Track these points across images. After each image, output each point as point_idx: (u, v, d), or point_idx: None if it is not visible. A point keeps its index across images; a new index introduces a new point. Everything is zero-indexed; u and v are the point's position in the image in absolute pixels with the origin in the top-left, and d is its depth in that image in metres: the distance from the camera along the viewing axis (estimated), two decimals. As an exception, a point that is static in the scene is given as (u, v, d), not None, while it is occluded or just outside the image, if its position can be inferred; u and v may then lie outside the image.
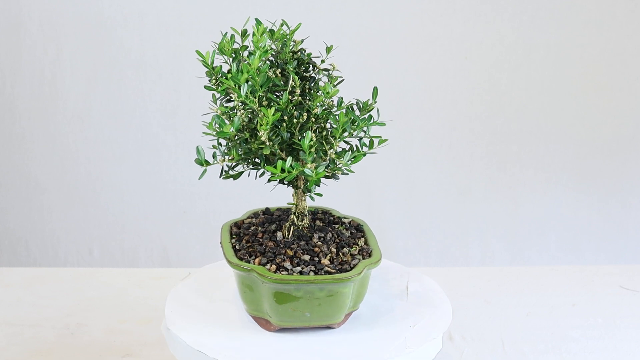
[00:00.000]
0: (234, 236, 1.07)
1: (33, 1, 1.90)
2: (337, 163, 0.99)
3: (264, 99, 0.98)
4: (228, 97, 1.01)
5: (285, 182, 1.02)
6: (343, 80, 1.04)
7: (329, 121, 1.00)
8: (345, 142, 1.02)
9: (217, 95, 1.01)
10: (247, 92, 0.94)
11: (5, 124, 1.99)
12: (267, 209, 1.13)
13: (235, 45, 1.00)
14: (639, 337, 1.45)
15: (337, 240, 1.05)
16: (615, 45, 1.96)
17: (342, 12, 1.92)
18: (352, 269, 0.98)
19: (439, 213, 2.06)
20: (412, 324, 1.02)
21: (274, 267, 0.97)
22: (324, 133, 1.00)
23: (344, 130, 0.98)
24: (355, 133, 1.00)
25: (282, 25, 1.01)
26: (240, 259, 1.00)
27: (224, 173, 1.03)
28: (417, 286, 1.12)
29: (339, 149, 1.01)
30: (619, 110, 2.01)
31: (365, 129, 1.01)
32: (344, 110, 0.99)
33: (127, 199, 2.03)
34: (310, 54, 1.04)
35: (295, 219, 1.05)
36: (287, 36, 1.00)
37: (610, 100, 2.00)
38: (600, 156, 2.03)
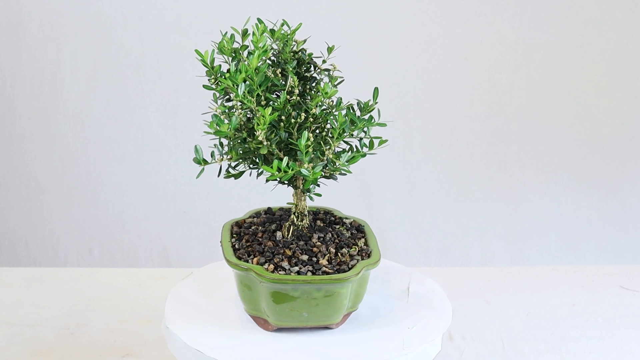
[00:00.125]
0: (234, 235, 1.07)
1: (33, 1, 1.90)
2: (335, 163, 0.99)
3: (263, 98, 0.98)
4: (227, 96, 1.01)
5: (286, 182, 1.02)
6: (343, 80, 1.04)
7: (329, 122, 1.00)
8: (346, 142, 1.02)
9: (218, 94, 1.01)
10: (244, 92, 0.94)
11: (5, 124, 1.99)
12: (269, 208, 1.13)
13: (236, 45, 1.00)
14: (639, 337, 1.45)
15: (337, 241, 1.05)
16: (615, 45, 1.96)
17: (342, 12, 1.92)
18: (350, 269, 0.98)
19: (439, 213, 2.06)
20: (411, 325, 1.02)
21: (271, 266, 0.98)
22: (324, 133, 1.00)
23: (342, 131, 0.98)
24: (355, 133, 1.00)
25: (282, 25, 1.01)
26: (239, 258, 1.00)
27: (225, 172, 1.03)
28: (419, 287, 1.12)
29: (339, 149, 1.01)
30: (619, 110, 2.01)
31: (365, 129, 1.01)
32: (342, 111, 0.99)
33: (127, 199, 2.03)
34: (312, 54, 1.04)
35: (295, 219, 1.05)
36: (289, 36, 1.00)
37: (610, 100, 2.00)
38: (600, 156, 2.03)
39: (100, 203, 2.03)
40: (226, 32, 1.00)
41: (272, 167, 0.93)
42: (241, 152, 1.00)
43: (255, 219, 1.11)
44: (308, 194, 1.02)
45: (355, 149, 1.02)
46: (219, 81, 0.98)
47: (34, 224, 2.05)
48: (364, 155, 1.01)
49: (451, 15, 1.93)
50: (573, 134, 2.02)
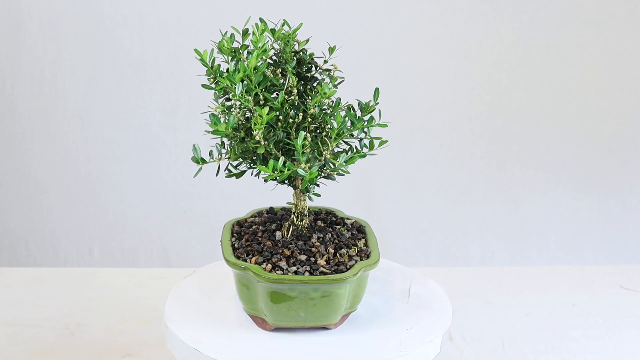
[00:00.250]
0: (234, 235, 1.07)
1: (33, 1, 1.90)
2: (332, 164, 0.99)
3: (261, 98, 0.98)
4: (227, 96, 1.01)
5: (286, 182, 1.03)
6: (343, 80, 1.04)
7: (327, 122, 1.00)
8: (345, 142, 1.02)
9: (218, 94, 1.01)
10: (242, 91, 0.95)
11: (5, 124, 1.99)
12: (271, 208, 1.13)
13: (236, 45, 1.00)
14: (639, 337, 1.45)
15: (337, 241, 1.05)
16: (615, 45, 1.96)
17: (342, 12, 1.92)
18: (348, 270, 0.97)
19: (439, 213, 2.06)
20: (409, 326, 1.02)
21: (269, 266, 0.98)
22: (324, 134, 1.00)
23: (340, 131, 0.98)
24: (355, 134, 1.00)
25: (283, 25, 1.01)
26: (238, 257, 1.00)
27: (227, 172, 1.03)
28: (420, 289, 1.12)
29: (338, 150, 1.01)
30: (619, 110, 2.01)
31: (366, 129, 1.01)
32: (341, 111, 0.99)
33: (127, 199, 2.03)
34: (313, 54, 1.04)
35: (295, 219, 1.05)
36: (290, 36, 1.00)
37: (610, 100, 2.00)
38: (600, 156, 2.03)
39: (100, 203, 2.03)
40: (226, 32, 1.00)
41: (267, 167, 0.93)
42: (239, 151, 1.00)
43: (256, 218, 1.11)
44: (307, 194, 1.02)
45: (355, 150, 1.02)
46: (218, 80, 0.98)
47: (34, 224, 2.05)
48: (364, 155, 1.01)
49: (451, 15, 1.93)
50: (573, 134, 2.02)
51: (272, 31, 1.01)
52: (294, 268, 0.97)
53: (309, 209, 1.13)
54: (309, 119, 0.99)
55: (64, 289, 1.59)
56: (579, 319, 1.51)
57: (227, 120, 0.96)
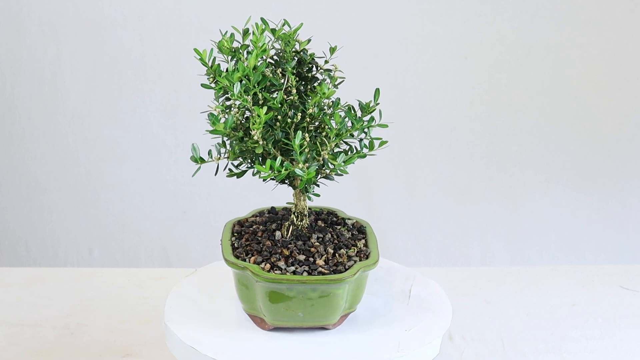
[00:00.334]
0: (235, 234, 1.07)
1: (33, 1, 1.90)
2: (331, 164, 0.99)
3: (260, 97, 0.98)
4: (226, 95, 1.01)
5: (286, 182, 1.03)
6: (343, 80, 1.04)
7: (325, 122, 1.00)
8: (345, 142, 1.02)
9: (218, 93, 1.01)
10: (240, 91, 0.95)
11: (5, 124, 1.99)
12: (272, 208, 1.13)
13: (236, 44, 1.00)
14: (639, 337, 1.45)
15: (336, 242, 1.04)
16: (615, 45, 1.96)
17: (342, 12, 1.92)
18: (346, 270, 0.97)
19: (439, 213, 2.06)
20: (408, 327, 1.02)
21: (268, 266, 0.98)
22: (324, 134, 1.00)
23: (338, 131, 0.98)
24: (355, 134, 1.00)
25: (283, 24, 1.01)
26: (237, 257, 1.00)
27: (228, 171, 1.03)
28: (420, 290, 1.11)
29: (338, 150, 1.01)
30: (619, 110, 2.01)
31: (366, 130, 1.01)
32: (340, 111, 0.99)
33: (127, 199, 2.03)
34: (313, 54, 1.04)
35: (295, 219, 1.05)
36: (290, 35, 1.01)
37: (610, 100, 2.00)
38: (600, 156, 2.03)
39: (100, 203, 2.03)
40: (226, 32, 1.00)
41: (264, 167, 0.93)
42: (238, 151, 1.00)
43: (257, 218, 1.11)
44: (307, 194, 1.02)
45: (355, 150, 1.02)
46: (217, 80, 0.98)
47: (34, 224, 2.05)
48: (364, 156, 1.01)
49: (451, 15, 1.93)
50: (573, 134, 2.02)
51: (273, 31, 1.01)
52: (293, 268, 0.97)
53: (310, 209, 1.13)
54: (308, 119, 0.99)
55: (64, 289, 1.59)
56: (579, 319, 1.51)
57: (226, 120, 0.96)
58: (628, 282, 1.66)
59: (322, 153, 0.98)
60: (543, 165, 2.04)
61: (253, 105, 0.97)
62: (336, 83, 1.03)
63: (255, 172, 1.02)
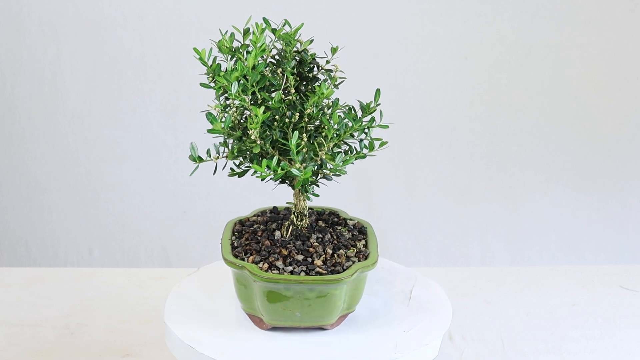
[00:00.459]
0: (235, 233, 1.07)
1: (33, 1, 1.90)
2: (328, 164, 0.98)
3: (259, 97, 0.98)
4: (226, 94, 1.01)
5: (287, 182, 1.03)
6: (343, 81, 1.04)
7: (323, 122, 1.00)
8: (345, 143, 1.02)
9: (218, 93, 1.01)
10: (237, 90, 0.95)
11: (5, 124, 1.99)
12: (274, 207, 1.13)
13: (237, 44, 1.00)
14: (639, 337, 1.45)
15: (336, 242, 1.04)
16: (615, 45, 1.96)
17: (342, 12, 1.92)
18: (344, 270, 0.97)
19: (439, 213, 2.06)
20: (407, 328, 1.02)
21: (266, 265, 0.98)
22: (324, 134, 1.00)
23: (336, 131, 0.98)
24: (356, 134, 1.00)
25: (284, 24, 1.01)
26: (236, 256, 1.00)
27: (229, 171, 1.03)
28: (421, 291, 1.11)
29: (338, 150, 1.01)
30: (619, 110, 2.01)
31: (366, 130, 1.01)
32: (339, 112, 0.99)
33: (127, 199, 2.03)
34: (314, 54, 1.04)
35: (295, 219, 1.05)
36: (291, 35, 1.01)
37: (610, 100, 2.00)
38: (600, 156, 2.03)
39: (100, 203, 2.03)
40: (227, 31, 1.00)
41: (261, 166, 0.93)
42: (237, 150, 1.00)
43: (259, 217, 1.11)
44: (306, 194, 1.02)
45: (355, 151, 1.02)
46: (216, 79, 0.98)
47: (34, 224, 2.05)
48: (364, 156, 1.01)
49: (451, 15, 1.93)
50: (573, 134, 2.02)
51: (274, 31, 1.01)
52: (290, 268, 0.98)
53: (312, 209, 1.13)
54: (306, 119, 0.99)
55: (64, 289, 1.59)
56: (579, 319, 1.51)
57: (224, 119, 0.96)
58: (628, 282, 1.66)
59: (319, 153, 0.98)
60: (543, 165, 2.04)
61: (252, 104, 0.97)
62: (336, 83, 1.03)
63: (254, 171, 1.02)
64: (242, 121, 0.99)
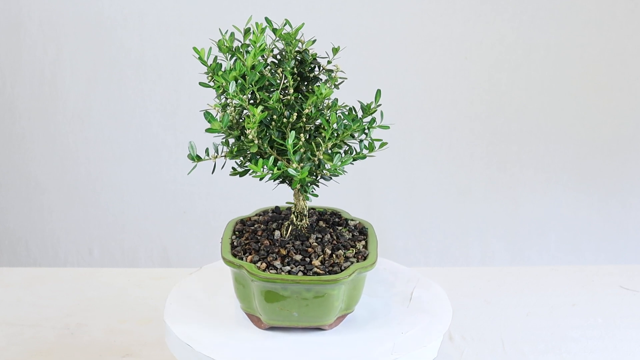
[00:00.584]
0: (236, 232, 1.07)
1: (33, 1, 1.90)
2: (326, 165, 0.98)
3: (257, 97, 0.98)
4: (225, 93, 1.01)
5: (287, 182, 1.03)
6: (343, 81, 1.04)
7: (321, 122, 1.00)
8: (345, 143, 1.02)
9: (217, 92, 1.01)
10: (235, 90, 0.95)
11: (5, 124, 1.99)
12: (276, 207, 1.13)
13: (237, 44, 1.00)
14: (639, 337, 1.45)
15: (335, 242, 1.04)
16: (615, 45, 1.96)
17: (342, 12, 1.92)
18: (342, 271, 0.97)
19: (439, 213, 2.06)
20: (405, 330, 1.02)
21: (264, 265, 0.98)
22: (324, 134, 1.00)
23: (335, 132, 0.97)
24: (356, 135, 1.00)
25: (285, 24, 1.01)
26: (235, 255, 1.00)
27: (231, 170, 1.03)
28: (422, 293, 1.11)
29: (337, 151, 1.01)
30: (619, 110, 2.01)
31: (367, 131, 1.01)
32: (337, 112, 0.99)
33: (127, 199, 2.03)
34: (315, 54, 1.04)
35: (295, 219, 1.05)
36: (292, 35, 1.01)
37: (610, 100, 2.00)
38: (600, 156, 2.03)
39: (100, 203, 2.03)
40: (227, 31, 1.00)
41: (257, 166, 0.93)
42: (236, 150, 1.00)
43: (260, 217, 1.11)
44: (305, 194, 1.02)
45: (354, 151, 1.02)
46: (215, 79, 0.99)
47: (34, 224, 2.05)
48: (364, 157, 1.01)
49: (451, 15, 1.93)
50: (573, 134, 2.02)
51: (274, 30, 1.01)
52: (288, 268, 0.98)
53: (315, 209, 1.13)
54: (304, 119, 0.99)
55: (64, 289, 1.59)
56: (579, 319, 1.51)
57: (222, 118, 0.96)
58: (628, 282, 1.66)
59: (317, 153, 0.98)
60: (543, 165, 2.04)
61: (250, 104, 0.97)
62: (336, 83, 1.03)
63: (252, 171, 1.02)
64: (240, 120, 0.99)
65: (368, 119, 1.00)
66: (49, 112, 1.98)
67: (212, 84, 0.99)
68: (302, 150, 0.97)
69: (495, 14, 1.93)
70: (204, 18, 1.90)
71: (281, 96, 1.00)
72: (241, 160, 1.02)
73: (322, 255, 1.00)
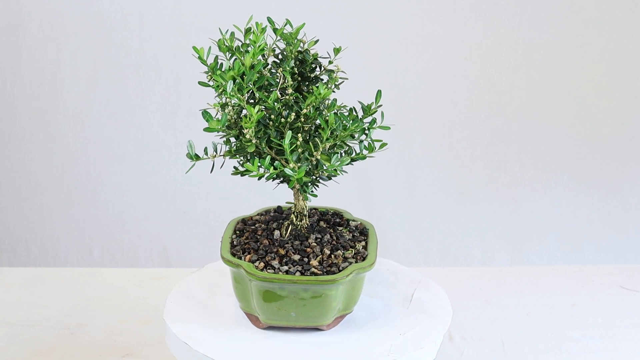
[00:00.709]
0: (237, 232, 1.07)
1: (33, 1, 1.90)
2: (324, 165, 0.98)
3: (256, 96, 0.98)
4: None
5: (286, 182, 1.02)
6: (343, 81, 1.04)
7: (319, 122, 1.00)
8: (345, 144, 1.01)
9: (217, 91, 1.01)
10: (233, 89, 0.95)
11: (5, 124, 1.99)
12: (278, 207, 1.13)
13: (238, 43, 1.00)
14: (639, 337, 1.45)
15: (334, 243, 1.04)
16: (615, 45, 1.96)
17: (342, 12, 1.92)
18: (340, 271, 0.97)
19: (439, 213, 2.06)
20: (404, 331, 1.01)
21: (262, 264, 0.98)
22: (322, 134, 1.00)
23: (333, 132, 0.97)
24: (356, 135, 1.00)
25: (285, 24, 1.01)
26: (234, 254, 1.00)
27: (233, 169, 1.03)
28: (423, 294, 1.11)
29: (337, 151, 1.01)
30: (619, 110, 2.01)
31: (367, 131, 1.00)
32: (336, 112, 0.99)
33: (127, 199, 2.03)
34: (316, 54, 1.04)
35: (295, 219, 1.05)
36: (293, 35, 1.01)
37: (610, 100, 2.00)
38: (600, 156, 2.03)
39: (100, 203, 2.03)
40: (227, 30, 1.00)
41: (252, 165, 0.93)
42: (235, 149, 1.00)
43: (262, 216, 1.11)
44: (304, 194, 1.02)
45: (354, 152, 1.01)
46: (213, 78, 0.99)
47: (34, 224, 2.05)
48: (364, 157, 1.01)
49: (451, 15, 1.93)
50: (573, 134, 2.02)
51: (275, 30, 1.01)
52: (286, 267, 0.98)
53: (316, 209, 1.13)
54: (302, 119, 0.99)
55: (64, 289, 1.59)
56: (579, 319, 1.51)
57: (220, 118, 0.96)
58: (628, 282, 1.66)
59: (314, 154, 0.98)
60: (543, 165, 2.03)
61: (249, 103, 0.97)
62: (337, 83, 1.03)
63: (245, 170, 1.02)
64: (238, 120, 0.99)
65: (369, 119, 1.00)
66: (49, 112, 1.98)
67: (211, 83, 0.99)
68: (299, 150, 0.97)
69: (495, 14, 1.93)
70: (204, 18, 1.90)
71: (280, 96, 1.00)
72: (242, 160, 1.02)
73: (321, 256, 1.00)
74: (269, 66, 1.02)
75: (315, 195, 1.00)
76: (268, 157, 0.94)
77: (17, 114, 1.98)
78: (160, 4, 1.90)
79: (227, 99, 0.98)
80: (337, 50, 1.04)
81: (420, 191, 2.04)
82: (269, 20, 0.99)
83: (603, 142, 2.02)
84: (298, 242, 1.03)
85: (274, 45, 1.03)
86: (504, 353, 1.40)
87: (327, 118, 0.96)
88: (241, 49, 0.99)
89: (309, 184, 1.01)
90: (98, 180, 2.02)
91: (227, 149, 1.01)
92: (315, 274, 0.97)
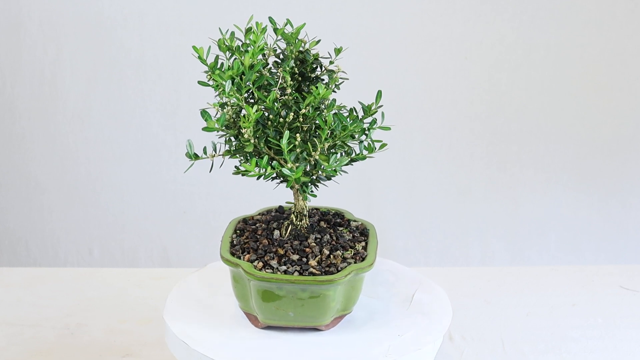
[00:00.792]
0: (237, 231, 1.07)
1: (33, 1, 1.90)
2: (322, 165, 0.98)
3: (255, 96, 0.98)
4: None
5: (286, 182, 1.02)
6: (344, 81, 1.04)
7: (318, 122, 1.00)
8: (345, 144, 1.01)
9: (216, 91, 1.01)
10: (232, 89, 0.95)
11: (5, 124, 1.99)
12: (280, 207, 1.13)
13: (238, 43, 1.00)
14: (639, 337, 1.45)
15: (334, 243, 1.04)
16: (615, 45, 1.96)
17: (342, 12, 1.92)
18: (338, 271, 0.97)
19: (439, 213, 2.06)
20: (402, 332, 1.01)
21: (260, 264, 0.98)
22: (321, 134, 1.00)
23: (331, 132, 0.97)
24: (356, 136, 1.00)
25: (285, 24, 1.01)
26: (233, 254, 1.01)
27: (234, 169, 1.03)
28: (424, 295, 1.10)
29: (336, 151, 1.01)
30: (619, 110, 2.01)
31: (367, 132, 1.00)
32: (335, 112, 0.99)
33: (127, 199, 2.03)
34: (317, 54, 1.04)
35: (294, 219, 1.05)
36: (293, 35, 1.01)
37: (610, 100, 2.00)
38: (600, 156, 2.03)
39: (100, 203, 2.03)
40: (227, 30, 1.00)
41: (250, 165, 0.93)
42: (234, 149, 1.00)
43: (263, 216, 1.11)
44: (304, 194, 1.02)
45: (353, 152, 1.01)
46: (212, 77, 0.99)
47: (34, 224, 2.05)
48: (363, 158, 1.01)
49: (451, 15, 1.93)
50: (573, 134, 2.02)
51: (276, 30, 1.01)
52: (284, 267, 0.98)
53: (317, 209, 1.13)
54: (301, 119, 0.99)
55: (64, 289, 1.59)
56: (579, 319, 1.51)
57: (219, 117, 0.96)
58: (628, 282, 1.66)
59: (313, 154, 0.98)
60: (543, 165, 2.03)
61: (249, 103, 0.97)
62: (337, 84, 1.03)
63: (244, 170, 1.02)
64: (237, 120, 0.99)
65: (369, 119, 1.00)
66: (49, 112, 1.98)
67: (211, 82, 0.99)
68: (298, 150, 0.97)
69: (495, 14, 1.93)
70: (204, 18, 1.90)
71: (279, 96, 1.00)
72: (242, 160, 1.02)
73: (320, 256, 1.00)
74: (269, 66, 1.02)
75: (315, 196, 1.00)
76: (266, 157, 0.94)
77: (17, 114, 1.98)
78: (160, 4, 1.90)
79: (226, 99, 0.98)
80: (338, 51, 1.04)
81: (420, 191, 2.04)
82: (270, 20, 0.99)
83: (603, 142, 2.02)
84: (297, 242, 1.03)
85: (275, 45, 1.03)
86: (504, 353, 1.40)
87: (326, 118, 0.96)
88: (241, 49, 0.99)
89: (309, 184, 1.01)
90: (98, 180, 2.02)
91: (227, 148, 1.01)
92: (314, 274, 0.97)
